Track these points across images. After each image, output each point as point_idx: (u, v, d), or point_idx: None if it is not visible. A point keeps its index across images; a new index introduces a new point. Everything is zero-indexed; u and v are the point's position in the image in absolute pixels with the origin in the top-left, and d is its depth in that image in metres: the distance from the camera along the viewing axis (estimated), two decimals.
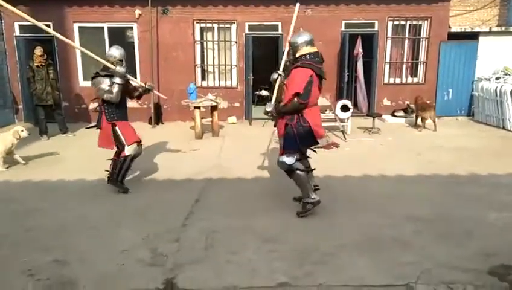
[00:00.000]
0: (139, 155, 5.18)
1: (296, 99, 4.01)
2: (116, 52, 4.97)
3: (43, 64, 8.07)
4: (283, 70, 4.45)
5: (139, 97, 5.37)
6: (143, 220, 4.28)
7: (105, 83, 4.87)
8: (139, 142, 5.11)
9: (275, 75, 4.42)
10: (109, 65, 4.88)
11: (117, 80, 4.84)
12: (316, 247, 3.63)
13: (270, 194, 4.98)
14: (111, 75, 4.88)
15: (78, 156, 6.94)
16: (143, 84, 5.32)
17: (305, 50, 4.15)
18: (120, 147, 5.01)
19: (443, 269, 3.26)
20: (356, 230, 3.97)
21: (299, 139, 4.12)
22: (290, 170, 4.23)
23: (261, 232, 3.95)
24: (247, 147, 7.49)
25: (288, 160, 4.16)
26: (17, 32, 9.80)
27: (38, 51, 8.03)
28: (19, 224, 4.20)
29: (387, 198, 4.86)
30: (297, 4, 4.76)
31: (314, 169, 4.55)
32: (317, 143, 4.31)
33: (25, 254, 3.55)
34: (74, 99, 10.17)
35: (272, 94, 4.44)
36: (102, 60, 4.88)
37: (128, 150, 4.95)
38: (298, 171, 4.20)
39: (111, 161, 5.18)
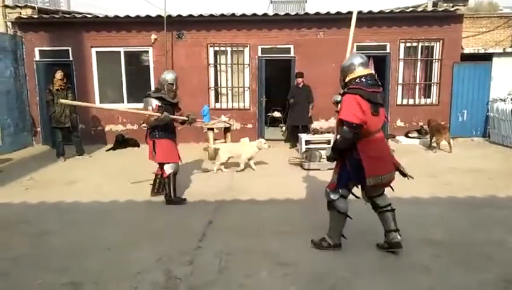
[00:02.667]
0: (177, 172, 5.59)
1: (344, 127, 3.61)
2: (168, 76, 5.52)
3: (63, 87, 8.29)
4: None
5: (182, 123, 5.91)
6: (157, 241, 4.28)
7: (151, 105, 5.32)
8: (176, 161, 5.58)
9: (338, 98, 3.99)
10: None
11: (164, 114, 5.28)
12: (332, 271, 3.57)
13: (284, 216, 4.95)
14: (160, 97, 5.39)
15: (94, 177, 7.03)
16: (185, 118, 5.76)
17: (356, 73, 3.74)
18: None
19: None
20: (372, 254, 3.90)
21: (351, 173, 3.76)
22: (329, 204, 3.92)
23: (276, 255, 3.91)
24: (260, 168, 7.50)
25: (332, 195, 3.85)
26: (37, 57, 10.13)
27: (59, 74, 8.26)
28: (34, 245, 4.24)
29: (404, 221, 4.74)
30: (355, 11, 4.61)
31: (393, 209, 3.97)
32: (365, 182, 3.74)
33: (40, 275, 3.57)
34: (91, 122, 10.37)
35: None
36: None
37: (168, 168, 5.45)
38: (336, 210, 3.86)
39: (155, 174, 5.80)
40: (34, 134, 10.35)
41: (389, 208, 3.94)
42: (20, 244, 4.29)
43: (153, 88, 10.26)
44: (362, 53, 10.02)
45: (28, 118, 10.18)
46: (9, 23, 9.96)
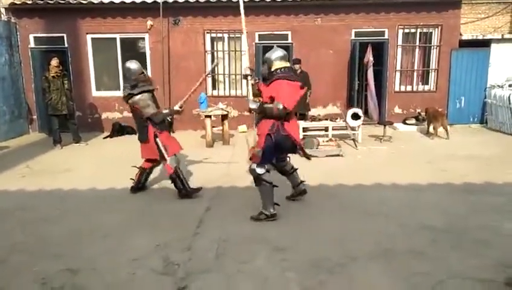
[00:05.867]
0: (179, 163, 5.25)
1: (282, 106, 4.13)
2: (136, 66, 5.05)
3: (59, 74, 8.21)
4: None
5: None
6: (155, 228, 4.28)
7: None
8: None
9: (247, 71, 4.69)
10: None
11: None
12: (329, 256, 3.59)
13: (280, 203, 4.95)
14: (148, 90, 5.04)
15: (91, 165, 7.01)
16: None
17: (278, 64, 4.32)
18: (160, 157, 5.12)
19: (458, 279, 3.20)
20: (369, 239, 3.92)
21: (278, 147, 4.32)
22: (257, 179, 4.38)
23: (273, 241, 3.92)
24: None
25: (259, 170, 4.32)
26: (32, 44, 10.00)
27: (55, 62, 8.17)
28: (31, 232, 4.24)
29: (401, 207, 4.80)
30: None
31: (296, 169, 4.88)
32: (295, 150, 4.54)
33: (38, 262, 3.58)
34: (87, 109, 10.31)
35: (247, 92, 4.64)
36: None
37: (171, 163, 5.06)
38: (264, 183, 4.35)
39: (138, 168, 5.46)
40: (30, 122, 10.28)
41: (293, 169, 4.85)
42: (17, 231, 4.28)
43: (149, 75, 10.19)
44: (360, 39, 10.08)
45: (24, 106, 10.10)
46: (2, 9, 9.79)
